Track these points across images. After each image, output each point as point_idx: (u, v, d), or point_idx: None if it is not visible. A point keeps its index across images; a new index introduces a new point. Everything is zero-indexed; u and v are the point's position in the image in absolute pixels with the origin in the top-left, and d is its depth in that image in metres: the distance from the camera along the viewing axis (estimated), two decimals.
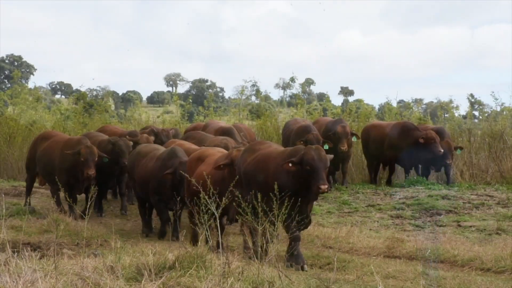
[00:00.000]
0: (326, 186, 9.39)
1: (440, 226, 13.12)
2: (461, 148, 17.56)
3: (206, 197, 7.70)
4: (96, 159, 13.91)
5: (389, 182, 18.14)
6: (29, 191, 15.78)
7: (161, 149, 13.25)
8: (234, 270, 6.72)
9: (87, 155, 13.75)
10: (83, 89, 36.38)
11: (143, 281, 6.20)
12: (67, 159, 14.00)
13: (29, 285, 5.39)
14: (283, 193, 8.80)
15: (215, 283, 6.17)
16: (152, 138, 16.14)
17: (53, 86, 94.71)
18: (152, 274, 6.40)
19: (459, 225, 13.06)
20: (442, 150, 16.71)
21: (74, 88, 77.76)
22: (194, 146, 13.61)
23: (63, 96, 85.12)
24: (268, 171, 9.92)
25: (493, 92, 21.76)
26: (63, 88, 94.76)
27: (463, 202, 14.86)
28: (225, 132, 16.02)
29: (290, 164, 9.48)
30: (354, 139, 17.24)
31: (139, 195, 13.42)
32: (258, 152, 10.40)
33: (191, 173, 10.81)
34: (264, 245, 7.65)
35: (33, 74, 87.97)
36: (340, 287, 7.51)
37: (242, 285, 6.31)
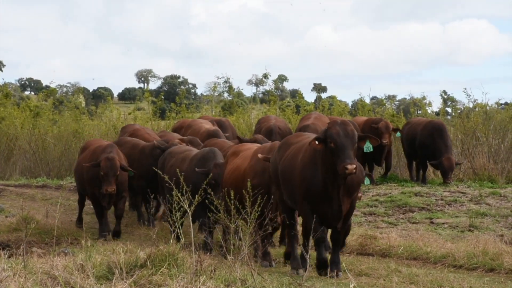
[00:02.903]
0: (354, 166, 8.04)
1: (413, 223, 13.20)
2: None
3: (179, 194, 7.60)
4: (118, 173, 12.12)
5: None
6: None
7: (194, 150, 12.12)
8: (206, 268, 6.71)
9: (107, 169, 12.02)
10: (53, 86, 35.88)
11: (114, 280, 6.16)
12: (90, 170, 12.44)
13: None
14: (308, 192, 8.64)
15: (187, 281, 6.15)
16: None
17: (22, 82, 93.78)
18: (123, 273, 6.38)
19: (432, 222, 13.15)
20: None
21: (43, 85, 77.06)
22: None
23: (32, 93, 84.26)
24: (297, 165, 8.90)
25: (465, 89, 21.95)
26: (32, 84, 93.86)
27: (436, 199, 14.96)
28: (211, 135, 15.46)
29: (317, 142, 8.35)
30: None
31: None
32: (293, 146, 9.28)
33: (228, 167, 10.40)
34: (237, 242, 7.56)
35: (2, 70, 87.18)
36: (312, 285, 7.52)
37: (214, 284, 6.30)
